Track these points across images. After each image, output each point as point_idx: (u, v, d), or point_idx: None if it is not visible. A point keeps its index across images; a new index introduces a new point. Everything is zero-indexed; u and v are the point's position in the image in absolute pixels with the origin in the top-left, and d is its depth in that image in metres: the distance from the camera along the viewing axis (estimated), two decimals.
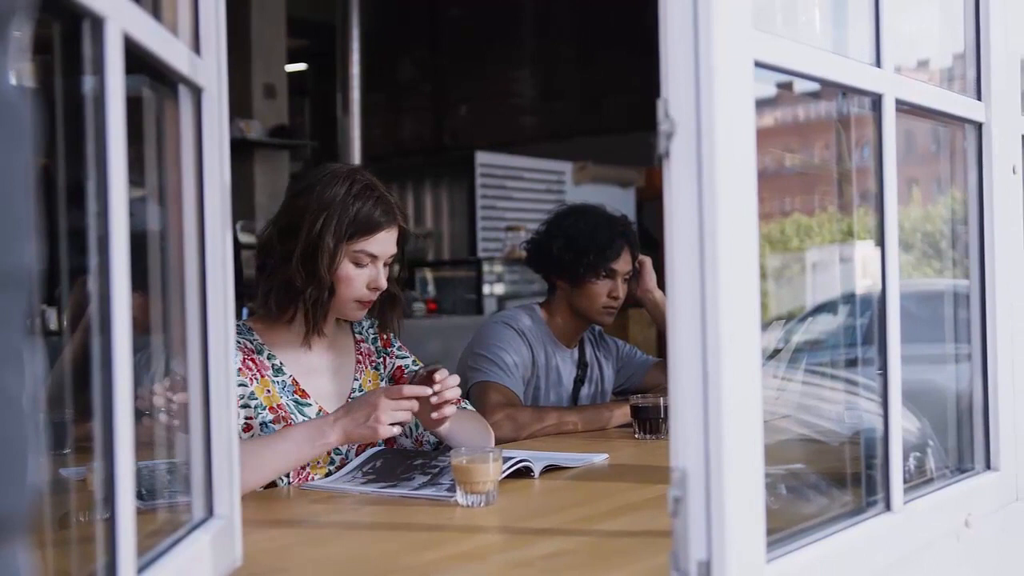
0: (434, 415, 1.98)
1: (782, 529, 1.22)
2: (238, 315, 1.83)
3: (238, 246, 4.87)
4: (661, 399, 2.51)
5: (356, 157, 6.90)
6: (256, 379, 2.05)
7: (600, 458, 2.21)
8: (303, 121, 8.95)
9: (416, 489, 1.85)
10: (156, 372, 1.47)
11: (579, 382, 2.92)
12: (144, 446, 1.35)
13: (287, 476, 2.01)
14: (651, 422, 2.50)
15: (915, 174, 1.78)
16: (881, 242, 1.42)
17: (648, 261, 2.91)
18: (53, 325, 2.31)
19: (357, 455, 2.12)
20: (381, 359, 2.27)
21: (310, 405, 2.10)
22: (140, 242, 1.13)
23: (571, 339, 2.90)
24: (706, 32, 1.06)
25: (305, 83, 9.27)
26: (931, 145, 1.94)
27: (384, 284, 2.10)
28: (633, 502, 1.83)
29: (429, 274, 7.30)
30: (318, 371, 2.16)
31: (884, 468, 1.41)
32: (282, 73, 7.29)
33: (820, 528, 1.30)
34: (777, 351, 1.81)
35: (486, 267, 7.08)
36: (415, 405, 1.90)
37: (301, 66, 8.99)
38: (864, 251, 1.70)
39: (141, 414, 1.07)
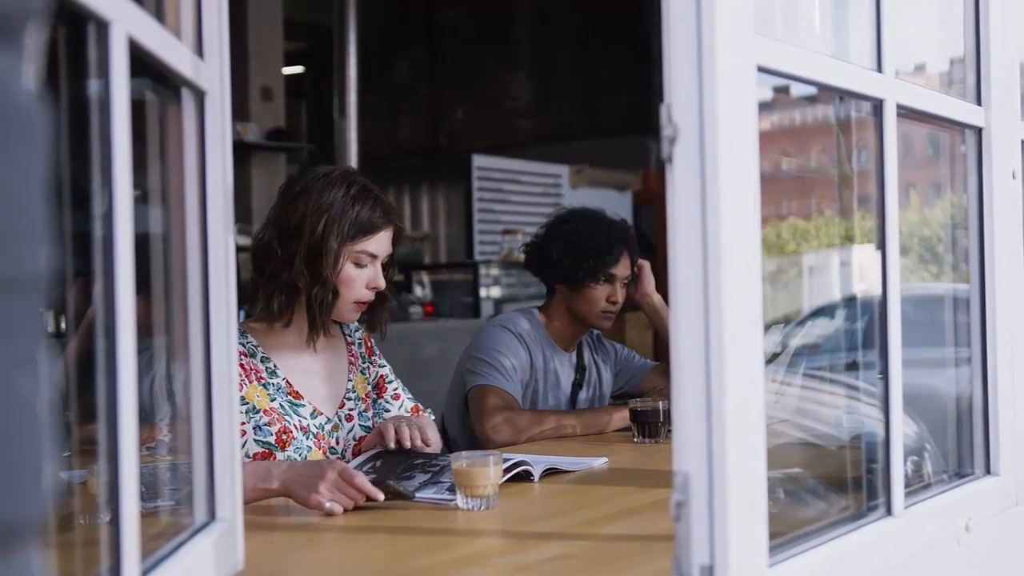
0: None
1: (784, 533, 1.22)
2: None
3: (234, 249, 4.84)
4: (660, 403, 2.51)
5: (353, 160, 6.89)
6: (246, 384, 2.05)
7: (599, 462, 2.21)
8: (300, 124, 8.94)
9: (417, 488, 1.84)
10: (157, 373, 1.47)
11: (577, 386, 2.92)
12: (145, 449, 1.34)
13: None
14: (650, 426, 2.50)
15: (911, 178, 1.79)
16: (882, 246, 1.43)
17: (647, 265, 2.91)
18: (50, 328, 2.30)
19: (355, 456, 2.12)
20: (366, 365, 2.30)
21: (304, 406, 2.11)
22: (142, 244, 1.13)
23: (569, 343, 2.90)
24: (709, 37, 1.06)
25: (302, 86, 9.26)
26: (927, 149, 1.94)
27: (383, 284, 2.13)
28: (633, 506, 1.83)
29: (426, 277, 7.29)
30: (313, 373, 2.17)
31: (885, 473, 1.41)
32: (279, 76, 7.27)
33: (822, 532, 1.30)
34: (776, 355, 1.81)
35: (483, 270, 7.07)
36: (358, 499, 1.75)
37: (298, 69, 8.98)
38: (861, 255, 1.70)
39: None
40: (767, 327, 1.31)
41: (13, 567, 0.51)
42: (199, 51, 1.23)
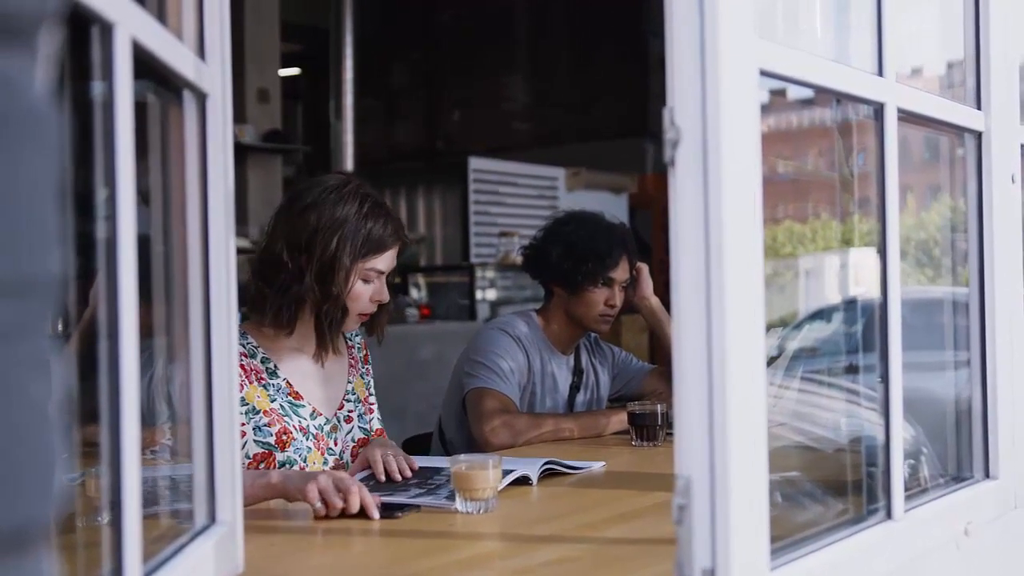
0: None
1: (784, 537, 1.22)
2: None
3: None
4: (658, 406, 2.51)
5: (349, 162, 6.89)
6: (246, 384, 2.05)
7: (598, 466, 2.21)
8: (296, 126, 8.93)
9: (413, 497, 1.84)
10: (156, 372, 1.47)
11: (575, 389, 2.92)
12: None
13: None
14: (648, 429, 2.50)
15: (908, 181, 1.79)
16: (882, 250, 1.43)
17: (645, 268, 2.91)
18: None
19: (353, 457, 2.12)
20: (365, 369, 2.32)
21: (304, 406, 2.12)
22: (143, 245, 1.12)
23: (567, 346, 2.90)
24: (712, 40, 1.06)
25: (298, 88, 9.25)
26: (924, 152, 1.94)
27: (387, 297, 2.15)
28: (633, 509, 1.83)
29: (422, 279, 7.29)
30: (313, 376, 2.17)
31: (885, 476, 1.41)
32: (276, 78, 7.27)
33: (822, 536, 1.30)
34: (773, 358, 1.81)
35: (479, 273, 7.06)
36: (352, 499, 1.73)
37: (295, 71, 8.98)
38: (858, 258, 1.70)
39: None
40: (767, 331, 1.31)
41: (25, 570, 0.51)
42: (201, 53, 1.23)
